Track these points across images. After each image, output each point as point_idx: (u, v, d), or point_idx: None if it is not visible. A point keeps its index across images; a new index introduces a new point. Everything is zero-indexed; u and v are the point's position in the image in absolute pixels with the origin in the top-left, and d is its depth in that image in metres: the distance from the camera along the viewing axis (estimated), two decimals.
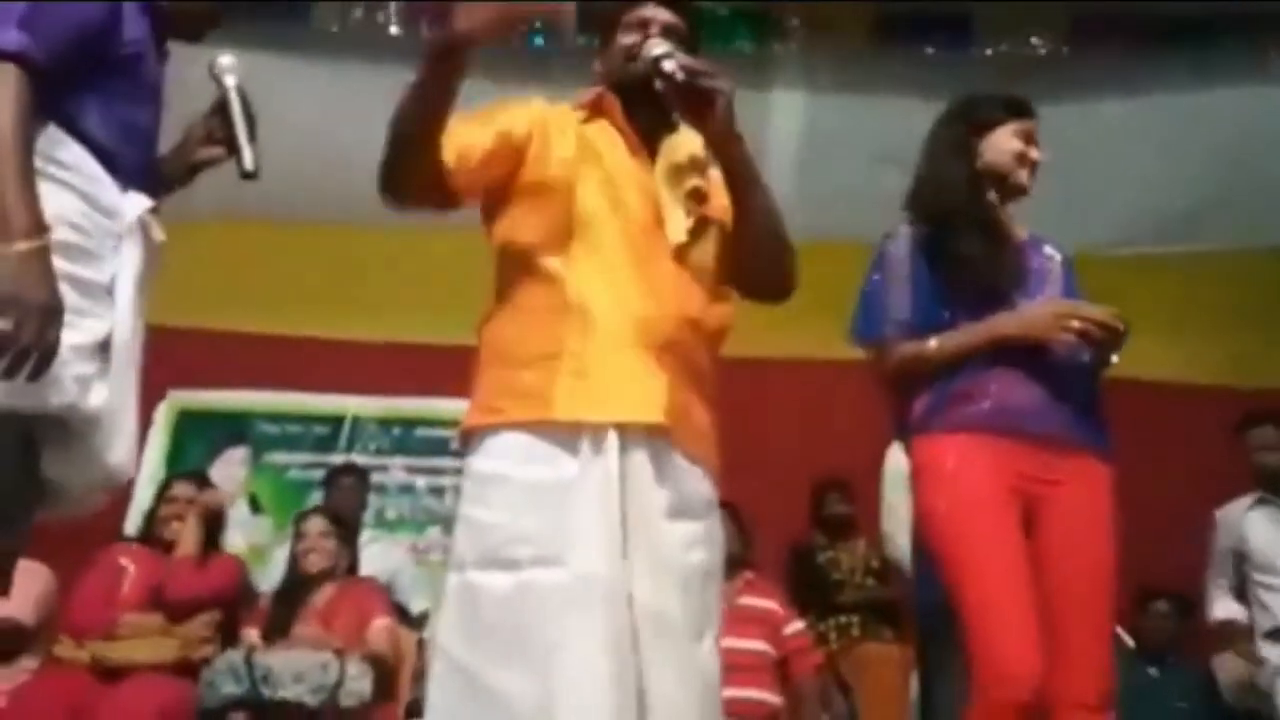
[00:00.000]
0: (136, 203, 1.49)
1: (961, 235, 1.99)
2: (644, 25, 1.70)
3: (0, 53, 1.32)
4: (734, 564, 3.26)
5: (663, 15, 1.71)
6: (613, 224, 1.61)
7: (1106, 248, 4.60)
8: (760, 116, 4.67)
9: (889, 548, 3.47)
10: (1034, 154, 2.07)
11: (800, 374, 4.75)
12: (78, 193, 1.40)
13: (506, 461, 1.52)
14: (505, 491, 1.51)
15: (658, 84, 1.58)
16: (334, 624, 3.25)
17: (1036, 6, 4.32)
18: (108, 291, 1.42)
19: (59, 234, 1.34)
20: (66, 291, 1.33)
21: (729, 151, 1.61)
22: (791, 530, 4.20)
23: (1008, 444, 1.89)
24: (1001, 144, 2.06)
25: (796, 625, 3.53)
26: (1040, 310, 1.96)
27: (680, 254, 1.63)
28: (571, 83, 1.93)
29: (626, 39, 1.70)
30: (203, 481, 3.64)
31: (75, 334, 1.35)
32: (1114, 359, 1.96)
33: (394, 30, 4.29)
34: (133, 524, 3.84)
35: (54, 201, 1.35)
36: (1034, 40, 4.31)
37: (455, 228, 5.54)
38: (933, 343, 1.97)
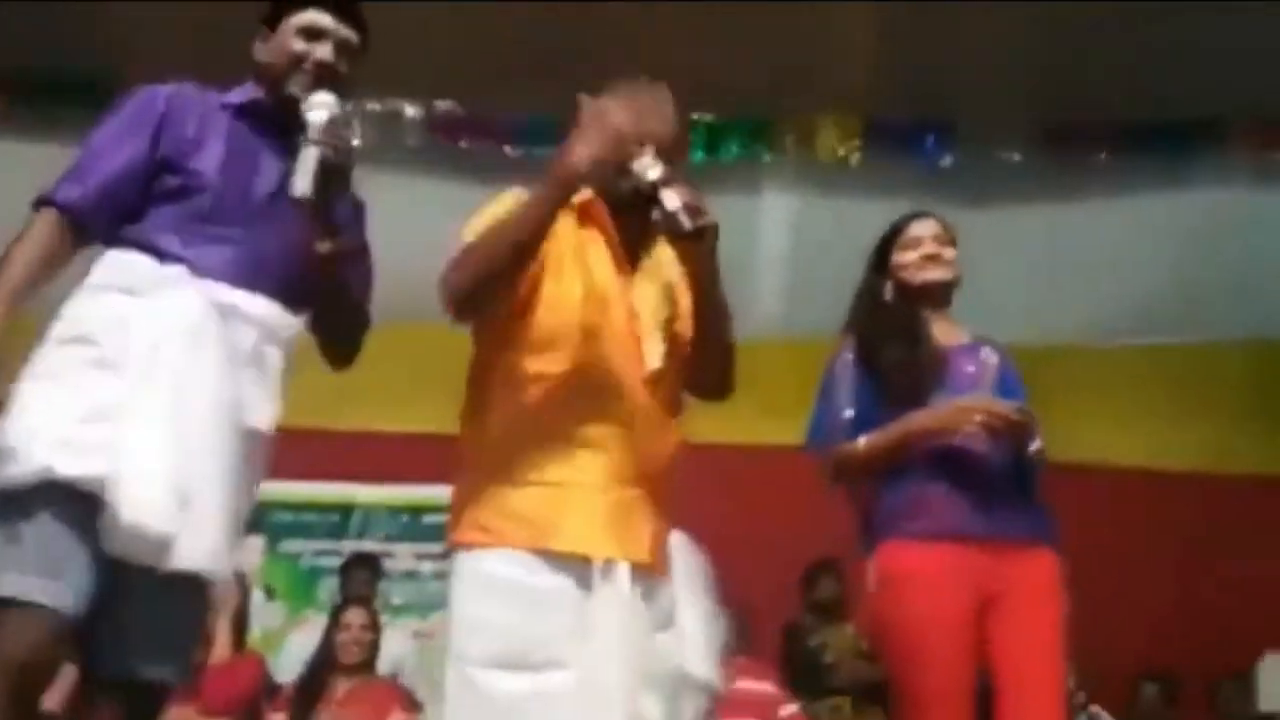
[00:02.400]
0: (194, 290, 1.59)
1: (883, 344, 2.12)
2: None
3: (43, 200, 1.61)
4: (726, 650, 3.34)
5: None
6: (601, 346, 1.59)
7: (1082, 340, 4.83)
8: (750, 220, 4.93)
9: (863, 636, 3.62)
10: (937, 250, 2.15)
11: (790, 461, 4.90)
12: (104, 294, 1.59)
13: (517, 569, 1.54)
14: (516, 594, 1.53)
15: (655, 214, 1.54)
16: (352, 713, 3.37)
17: (1013, 116, 4.60)
18: (114, 365, 1.52)
19: (69, 330, 1.56)
20: (60, 367, 1.52)
21: (705, 266, 1.62)
22: (785, 613, 4.32)
23: (956, 550, 2.01)
24: (906, 250, 2.16)
25: (791, 709, 3.59)
26: (948, 406, 2.04)
27: (654, 377, 1.63)
28: None
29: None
30: (241, 578, 3.75)
31: (60, 403, 1.49)
32: (1035, 449, 2.04)
33: (411, 142, 4.55)
34: None
35: (77, 306, 1.59)
36: (1008, 148, 4.58)
37: (453, 326, 5.75)
38: (860, 441, 2.08)
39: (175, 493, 1.48)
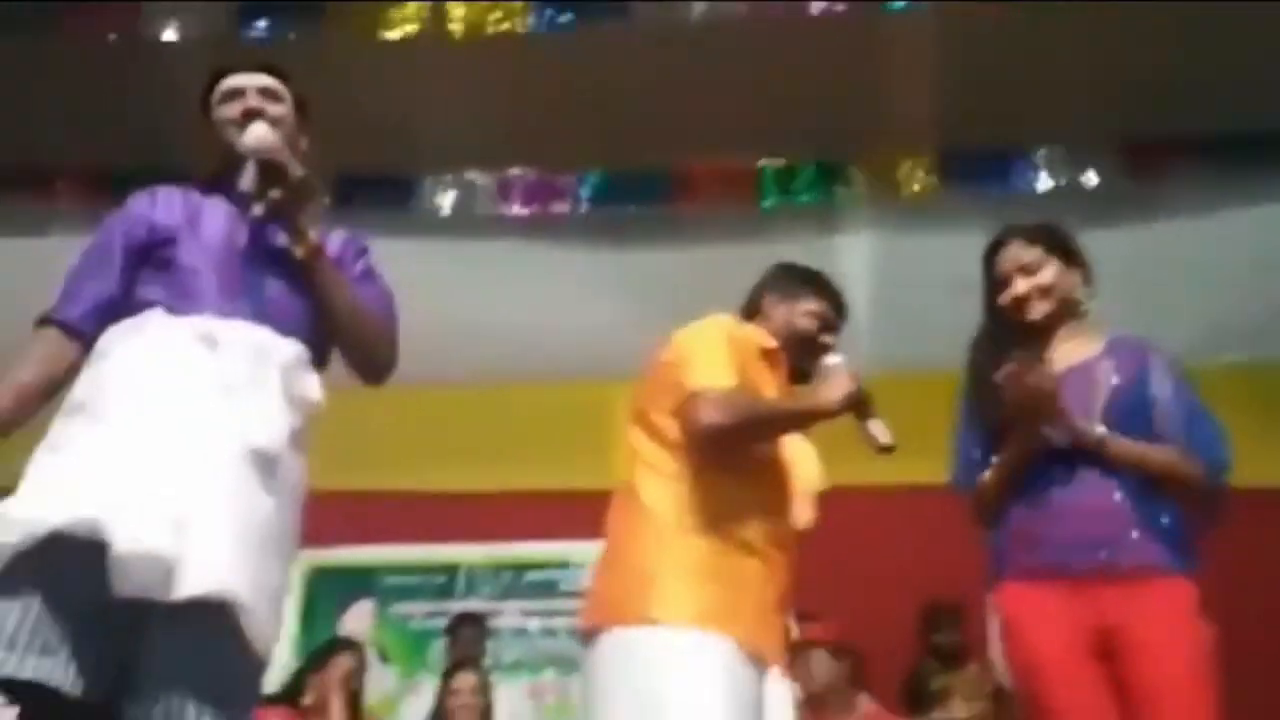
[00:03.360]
0: (174, 323, 1.67)
1: (980, 385, 2.10)
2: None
3: (43, 319, 1.77)
4: (841, 697, 3.29)
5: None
6: (779, 483, 1.97)
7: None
8: (829, 262, 4.94)
9: (999, 674, 3.53)
10: (1026, 288, 2.09)
11: (890, 501, 4.86)
12: (93, 364, 1.67)
13: (719, 659, 1.70)
14: (728, 685, 1.69)
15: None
16: None
17: (1089, 138, 4.55)
18: (97, 415, 1.57)
19: (65, 406, 1.64)
20: (55, 437, 1.58)
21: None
22: (902, 659, 4.24)
23: (1061, 589, 1.93)
24: (999, 289, 2.13)
25: None
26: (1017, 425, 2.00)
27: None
28: None
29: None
30: (359, 649, 3.83)
31: (54, 465, 1.52)
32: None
33: (480, 210, 4.69)
34: (273, 681, 4.06)
35: (75, 386, 1.67)
36: (1084, 170, 4.51)
37: (547, 385, 5.88)
38: (985, 475, 2.08)
39: (168, 519, 1.44)
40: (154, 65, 3.87)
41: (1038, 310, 2.10)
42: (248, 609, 1.48)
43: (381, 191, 4.56)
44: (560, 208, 4.73)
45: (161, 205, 1.81)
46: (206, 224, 1.79)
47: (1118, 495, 1.96)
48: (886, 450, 1.84)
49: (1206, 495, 2.00)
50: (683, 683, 1.66)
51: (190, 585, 1.42)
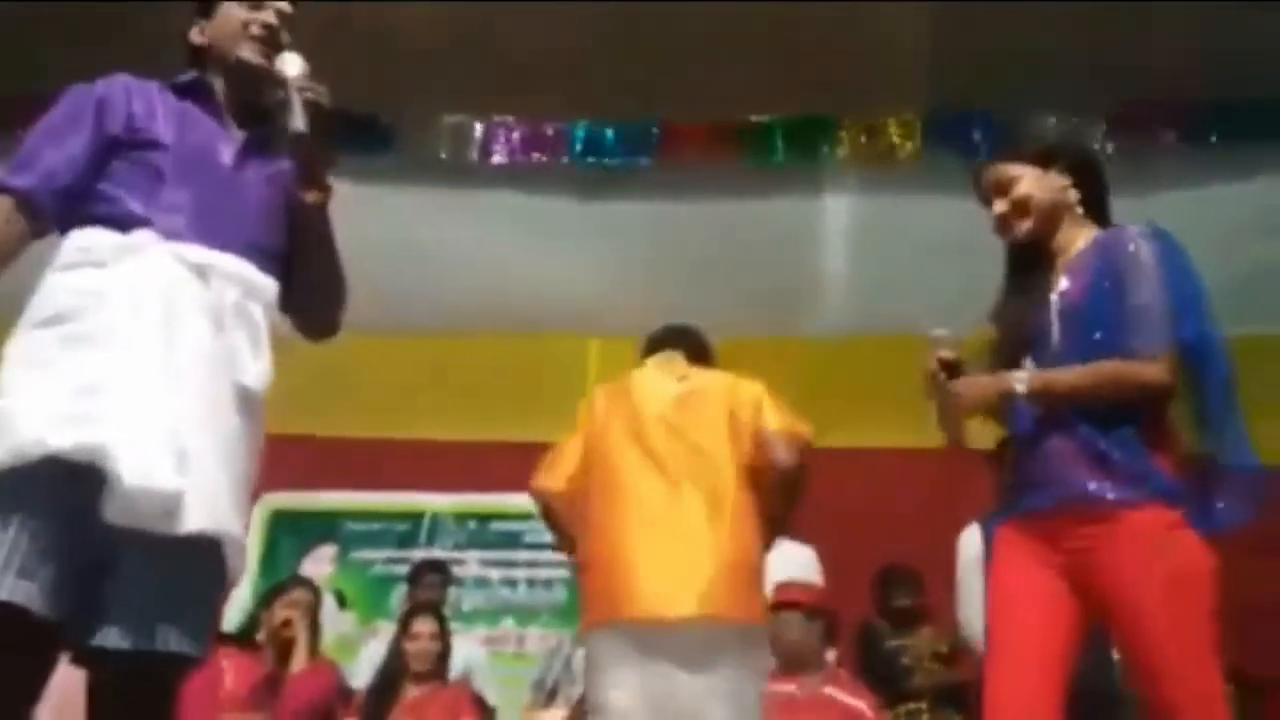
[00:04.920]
0: (165, 252, 1.58)
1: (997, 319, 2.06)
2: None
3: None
4: (813, 656, 3.31)
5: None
6: None
7: None
8: (812, 222, 4.90)
9: (965, 631, 3.56)
10: (1002, 209, 1.97)
11: (858, 461, 4.87)
12: (71, 272, 1.56)
13: None
14: None
15: None
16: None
17: (1077, 105, 4.51)
18: (95, 339, 1.50)
19: (40, 313, 1.54)
20: (40, 350, 1.50)
21: None
22: (857, 620, 4.27)
23: (1031, 531, 1.87)
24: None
25: None
26: None
27: None
28: None
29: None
30: (313, 587, 3.80)
31: (46, 383, 1.46)
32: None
33: (473, 156, 4.60)
34: (230, 621, 4.02)
35: (46, 288, 1.56)
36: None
37: (520, 335, 5.84)
38: None
39: (173, 453, 1.44)
40: None
41: (1019, 229, 1.96)
42: (234, 543, 1.52)
43: (361, 135, 4.45)
44: (545, 159, 4.65)
45: (140, 100, 1.69)
46: (190, 138, 1.68)
47: (1078, 430, 1.83)
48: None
49: (1152, 388, 1.81)
50: None
51: (193, 521, 1.44)
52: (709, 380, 2.63)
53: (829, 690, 3.28)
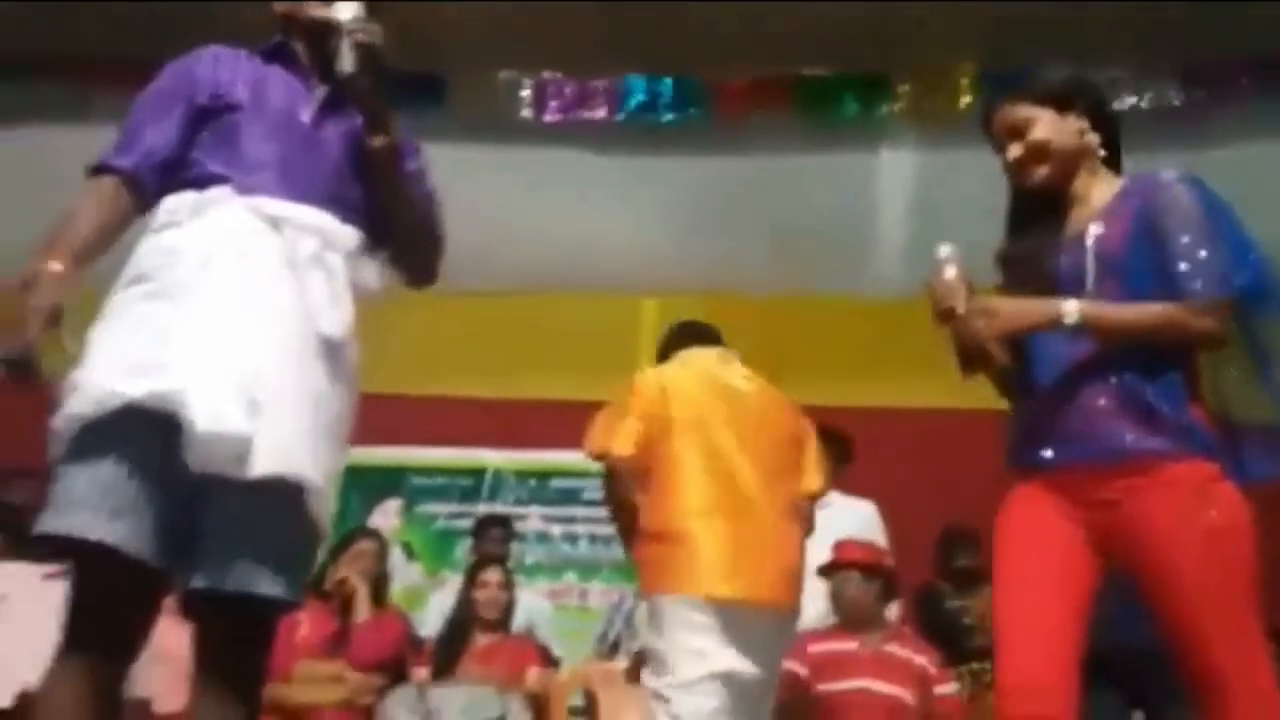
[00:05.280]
0: (241, 204, 1.63)
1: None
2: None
3: (97, 167, 1.69)
4: (871, 615, 3.34)
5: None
6: None
7: None
8: (869, 177, 4.85)
9: None
10: (1016, 153, 1.85)
11: (920, 423, 4.86)
12: (155, 234, 1.63)
13: None
14: None
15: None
16: (492, 667, 3.52)
17: (1142, 57, 4.39)
18: (170, 293, 1.55)
19: (127, 274, 1.61)
20: (122, 308, 1.57)
21: None
22: (916, 581, 4.29)
23: (1051, 485, 1.77)
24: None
25: (949, 689, 3.39)
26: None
27: None
28: None
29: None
30: (379, 538, 3.89)
31: (123, 336, 1.52)
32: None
33: (525, 113, 4.62)
34: None
35: (135, 252, 1.63)
36: (1138, 92, 4.36)
37: (580, 295, 5.88)
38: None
39: (245, 399, 1.47)
40: None
41: (1036, 175, 1.85)
42: (313, 489, 1.54)
43: (413, 92, 4.48)
44: (598, 115, 4.65)
45: (225, 68, 1.75)
46: (271, 98, 1.73)
47: (1120, 378, 1.72)
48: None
49: (1208, 336, 1.71)
50: None
51: (264, 465, 1.48)
52: (773, 391, 2.74)
53: (890, 647, 3.31)
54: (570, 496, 5.36)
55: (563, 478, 5.39)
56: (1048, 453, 1.77)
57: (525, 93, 4.64)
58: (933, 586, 4.23)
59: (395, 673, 3.54)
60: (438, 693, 3.31)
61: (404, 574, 4.74)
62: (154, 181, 1.68)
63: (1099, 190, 1.86)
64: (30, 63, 4.46)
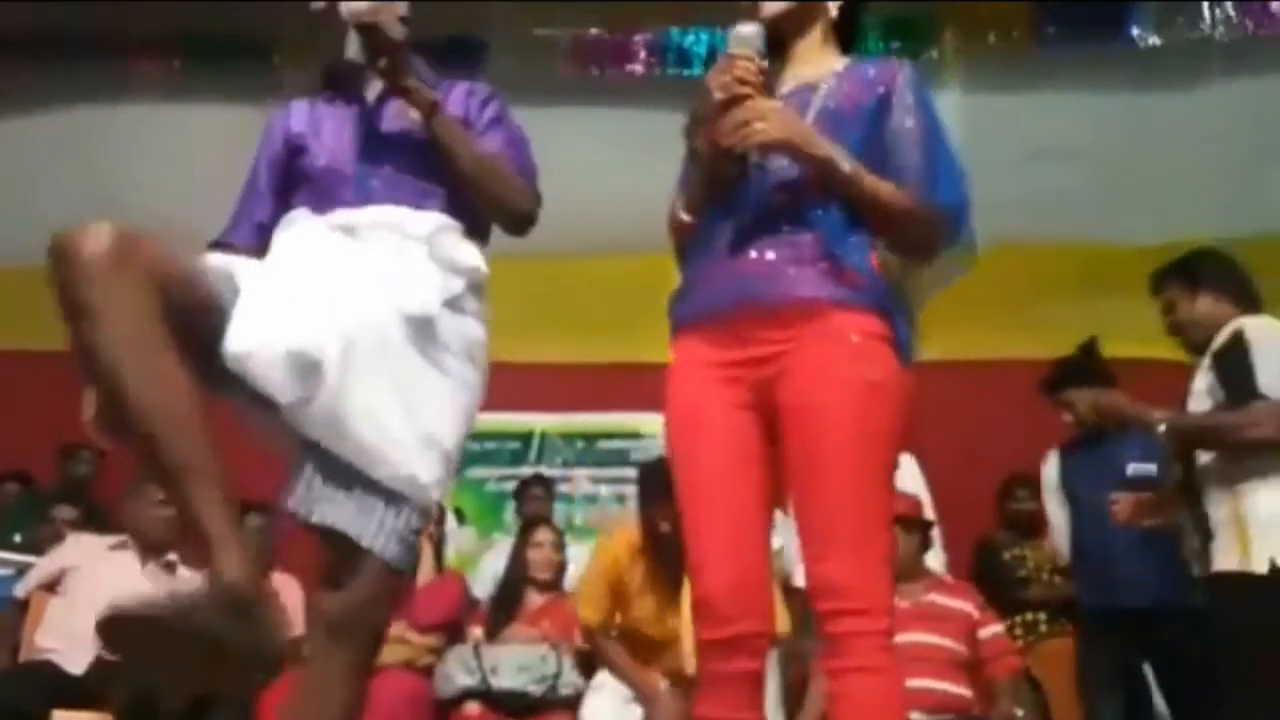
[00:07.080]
0: (312, 219, 1.81)
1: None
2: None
3: (213, 243, 1.86)
4: (910, 571, 3.35)
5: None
6: None
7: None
8: None
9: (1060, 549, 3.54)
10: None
11: (965, 374, 4.79)
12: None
13: None
14: None
15: None
16: (545, 626, 3.56)
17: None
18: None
19: None
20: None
21: None
22: (979, 529, 4.24)
23: (702, 336, 1.68)
24: None
25: (994, 629, 3.40)
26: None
27: None
28: None
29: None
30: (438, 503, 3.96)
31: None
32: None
33: (565, 70, 4.56)
34: None
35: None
36: (1193, 25, 4.19)
37: (621, 257, 5.82)
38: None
39: (297, 369, 1.55)
40: None
41: (765, 10, 1.76)
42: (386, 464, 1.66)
43: (452, 54, 4.45)
44: (638, 70, 4.58)
45: (294, 115, 1.93)
46: (325, 124, 1.89)
47: (805, 233, 1.65)
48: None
49: (925, 237, 1.66)
50: None
51: (312, 431, 1.63)
52: None
53: (931, 597, 3.31)
54: (618, 457, 5.37)
55: (610, 439, 5.41)
56: (720, 300, 1.67)
57: (565, 49, 4.58)
58: (990, 538, 4.20)
59: (454, 633, 3.61)
60: (493, 651, 3.36)
61: (456, 538, 4.78)
62: (257, 242, 1.85)
63: (823, 57, 1.78)
64: (66, 43, 4.49)
